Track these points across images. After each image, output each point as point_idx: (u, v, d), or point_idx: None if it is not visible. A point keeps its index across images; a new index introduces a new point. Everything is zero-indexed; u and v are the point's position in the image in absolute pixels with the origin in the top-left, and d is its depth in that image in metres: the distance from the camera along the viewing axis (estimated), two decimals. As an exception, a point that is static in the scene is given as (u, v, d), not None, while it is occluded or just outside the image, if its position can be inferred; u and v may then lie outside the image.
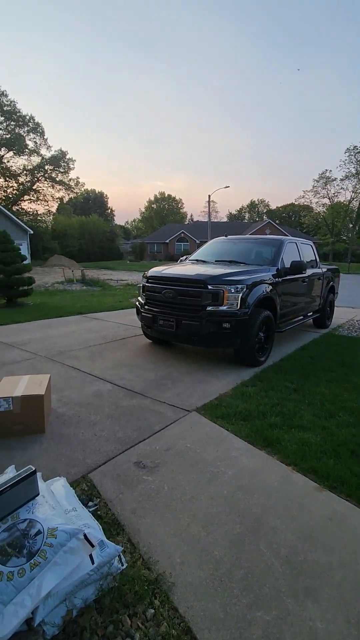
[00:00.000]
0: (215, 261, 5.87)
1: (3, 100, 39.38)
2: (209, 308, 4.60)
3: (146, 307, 5.27)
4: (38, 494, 1.63)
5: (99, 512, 2.04)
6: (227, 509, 2.14)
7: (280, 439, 2.91)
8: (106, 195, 75.85)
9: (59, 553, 1.41)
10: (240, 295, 4.60)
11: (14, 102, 40.36)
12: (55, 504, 1.63)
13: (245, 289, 4.64)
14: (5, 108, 39.45)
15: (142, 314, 5.33)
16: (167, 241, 49.08)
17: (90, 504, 2.10)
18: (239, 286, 4.63)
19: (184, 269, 5.30)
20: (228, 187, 41.69)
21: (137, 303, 5.62)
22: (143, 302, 5.38)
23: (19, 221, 29.50)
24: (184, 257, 6.86)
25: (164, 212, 73.97)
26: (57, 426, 3.15)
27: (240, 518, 2.07)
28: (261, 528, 2.01)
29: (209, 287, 4.59)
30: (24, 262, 10.32)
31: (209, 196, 36.76)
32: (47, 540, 1.43)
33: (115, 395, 3.84)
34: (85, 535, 1.49)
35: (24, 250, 29.52)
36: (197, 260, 6.21)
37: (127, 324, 7.52)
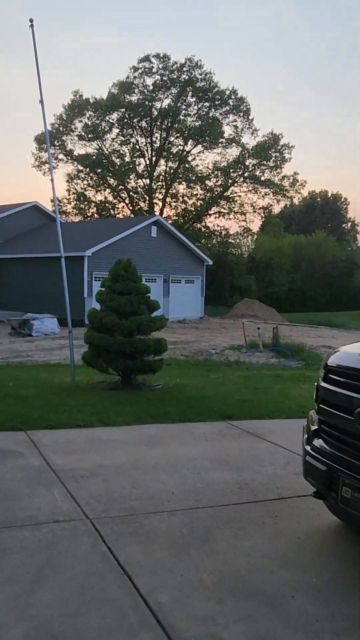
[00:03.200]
0: None
1: (196, 73, 25.25)
2: None
3: (319, 439, 2.14)
4: None
5: None
6: None
7: None
8: (345, 199, 47.19)
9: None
10: None
11: (211, 73, 25.53)
12: None
13: None
14: (198, 84, 25.26)
15: (307, 456, 2.18)
16: None
17: None
18: None
19: None
20: None
21: (304, 424, 2.52)
22: (315, 426, 2.27)
23: (195, 248, 19.45)
24: None
25: None
26: None
27: None
28: None
29: None
30: (153, 314, 6.30)
31: None
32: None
33: None
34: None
35: (196, 288, 19.74)
36: None
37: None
